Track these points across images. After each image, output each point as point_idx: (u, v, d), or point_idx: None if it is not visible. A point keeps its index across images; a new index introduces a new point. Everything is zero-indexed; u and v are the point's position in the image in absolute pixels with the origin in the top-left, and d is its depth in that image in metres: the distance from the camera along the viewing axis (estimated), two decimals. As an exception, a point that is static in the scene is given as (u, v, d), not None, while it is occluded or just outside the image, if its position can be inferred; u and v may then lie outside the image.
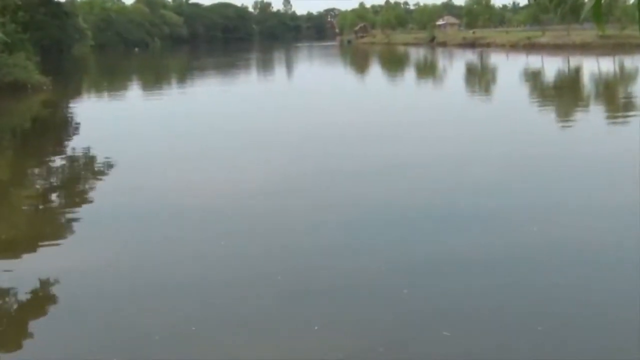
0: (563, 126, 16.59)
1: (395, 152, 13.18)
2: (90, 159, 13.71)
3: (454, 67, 44.23)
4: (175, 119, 19.75)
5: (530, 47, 55.93)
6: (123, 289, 6.52)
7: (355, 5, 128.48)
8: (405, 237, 7.95)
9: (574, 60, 40.88)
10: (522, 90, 26.38)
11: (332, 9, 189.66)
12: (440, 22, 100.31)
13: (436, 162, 12.16)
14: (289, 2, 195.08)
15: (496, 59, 48.85)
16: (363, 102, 23.38)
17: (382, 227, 8.33)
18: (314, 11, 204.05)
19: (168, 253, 7.59)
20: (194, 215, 9.03)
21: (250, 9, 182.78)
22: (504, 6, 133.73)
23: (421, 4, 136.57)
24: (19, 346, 5.54)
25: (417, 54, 62.85)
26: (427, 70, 42.97)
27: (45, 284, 6.76)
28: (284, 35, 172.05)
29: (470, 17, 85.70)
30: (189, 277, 6.77)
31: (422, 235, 8.01)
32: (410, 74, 39.36)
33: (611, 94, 24.24)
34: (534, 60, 42.64)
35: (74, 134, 18.18)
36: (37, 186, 11.71)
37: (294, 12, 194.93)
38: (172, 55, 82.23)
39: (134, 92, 32.01)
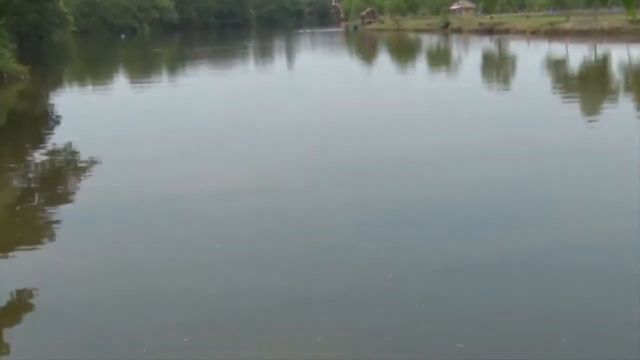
0: (590, 121, 16.54)
1: (405, 148, 13.25)
2: (72, 157, 13.78)
3: (470, 56, 44.17)
4: (164, 113, 19.76)
5: (553, 33, 55.77)
6: (106, 298, 6.52)
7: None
8: (417, 239, 7.96)
9: (602, 48, 40.77)
10: (545, 82, 26.33)
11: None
12: (454, 6, 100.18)
13: (451, 158, 12.19)
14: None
15: (516, 46, 48.74)
16: (370, 97, 23.35)
17: (392, 229, 8.35)
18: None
19: (157, 258, 7.61)
20: (185, 216, 9.05)
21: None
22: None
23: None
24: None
25: (429, 41, 62.75)
26: (440, 59, 42.91)
27: (22, 292, 6.76)
28: (284, 21, 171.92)
29: (488, 1, 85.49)
30: (180, 286, 6.78)
31: (436, 237, 8.02)
32: (422, 64, 39.30)
33: (643, 85, 24.23)
34: (558, 48, 42.57)
35: (55, 129, 18.23)
36: (14, 186, 11.69)
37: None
38: (162, 42, 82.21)
39: (120, 83, 32.03)
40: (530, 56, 40.24)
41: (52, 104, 23.91)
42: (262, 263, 7.33)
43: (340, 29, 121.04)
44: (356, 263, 7.23)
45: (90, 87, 30.81)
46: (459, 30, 75.69)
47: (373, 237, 8.03)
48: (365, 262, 7.27)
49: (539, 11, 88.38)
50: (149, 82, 31.03)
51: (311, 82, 29.51)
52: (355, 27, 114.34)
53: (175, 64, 45.22)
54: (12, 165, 13.21)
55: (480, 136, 14.34)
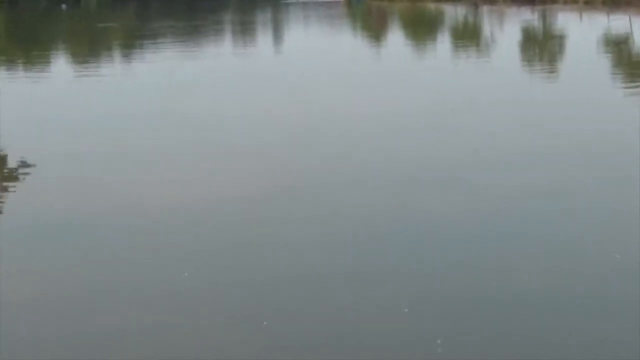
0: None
1: (422, 151, 13.39)
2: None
3: (507, 33, 44.22)
4: (117, 107, 19.81)
5: (613, 3, 55.99)
6: (46, 336, 6.51)
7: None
8: (439, 263, 7.97)
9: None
10: (602, 66, 26.39)
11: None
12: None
13: (478, 164, 12.32)
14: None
15: (565, 21, 48.86)
16: (377, 89, 23.26)
17: (404, 250, 8.38)
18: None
19: (107, 289, 7.56)
20: (145, 233, 9.11)
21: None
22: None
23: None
24: None
25: (454, 15, 62.88)
26: (468, 39, 42.95)
27: None
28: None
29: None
30: (138, 324, 6.75)
31: (460, 260, 8.02)
32: (444, 45, 39.30)
33: None
34: (619, 23, 42.72)
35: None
36: None
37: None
38: (113, 15, 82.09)
39: (61, 67, 31.96)
40: (583, 34, 40.33)
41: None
42: (243, 291, 7.33)
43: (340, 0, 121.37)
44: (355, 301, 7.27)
45: (20, 72, 30.79)
46: (491, 1, 75.90)
47: (382, 261, 8.05)
48: (368, 292, 7.29)
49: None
50: (96, 70, 30.93)
51: (303, 69, 29.54)
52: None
53: (128, 44, 45.11)
54: None
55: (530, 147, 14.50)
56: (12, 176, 12.49)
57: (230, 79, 26.96)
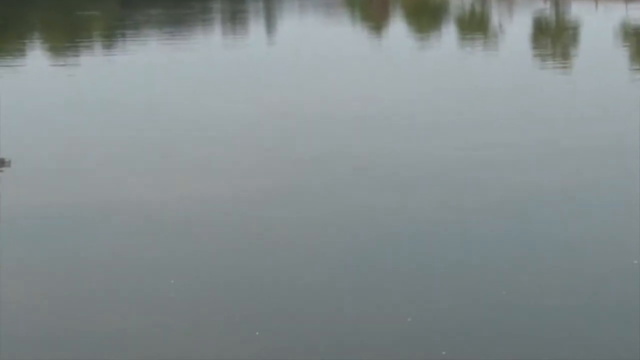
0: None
1: (425, 151, 13.38)
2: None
3: (516, 23, 44.25)
4: (97, 102, 19.72)
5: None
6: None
7: None
8: (449, 276, 7.97)
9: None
10: (620, 59, 26.32)
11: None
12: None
13: (487, 165, 12.37)
14: None
15: (579, 10, 48.93)
16: (380, 86, 23.04)
17: (409, 258, 8.40)
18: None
19: (83, 303, 7.53)
20: (125, 238, 9.17)
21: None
22: None
23: None
24: None
25: (460, 4, 63.00)
26: (475, 28, 42.98)
27: None
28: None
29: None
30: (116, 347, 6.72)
31: (477, 273, 8.03)
32: (450, 35, 39.32)
33: None
34: (638, 13, 42.70)
35: None
36: None
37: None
38: (95, 3, 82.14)
39: (34, 59, 31.78)
40: (599, 24, 40.36)
41: None
42: (231, 306, 7.31)
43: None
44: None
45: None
46: (500, -11, 76.03)
47: (383, 271, 7.98)
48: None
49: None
50: (74, 61, 30.87)
51: (297, 62, 29.36)
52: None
53: (110, 34, 45.06)
54: None
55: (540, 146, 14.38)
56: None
57: (216, 72, 26.92)
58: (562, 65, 25.89)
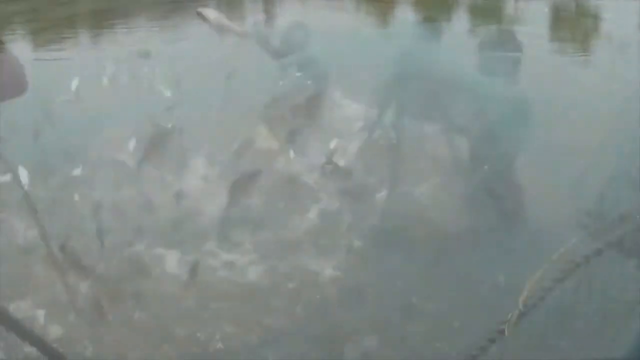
0: None
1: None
2: None
3: (532, 10, 44.54)
4: (83, 99, 20.08)
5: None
6: None
7: None
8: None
9: None
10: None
11: None
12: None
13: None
14: None
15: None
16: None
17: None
18: None
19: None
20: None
21: None
22: None
23: None
24: None
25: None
26: (487, 17, 43.25)
27: None
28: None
29: None
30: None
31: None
32: (461, 24, 39.60)
33: None
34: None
35: None
36: None
37: None
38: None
39: (18, 52, 32.11)
40: (623, 11, 40.62)
41: None
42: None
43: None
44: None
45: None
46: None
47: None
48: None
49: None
50: (59, 51, 31.22)
51: (297, 56, 29.65)
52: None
53: (96, 24, 45.56)
54: None
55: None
56: None
57: (215, 63, 27.42)
58: (583, 56, 26.11)
